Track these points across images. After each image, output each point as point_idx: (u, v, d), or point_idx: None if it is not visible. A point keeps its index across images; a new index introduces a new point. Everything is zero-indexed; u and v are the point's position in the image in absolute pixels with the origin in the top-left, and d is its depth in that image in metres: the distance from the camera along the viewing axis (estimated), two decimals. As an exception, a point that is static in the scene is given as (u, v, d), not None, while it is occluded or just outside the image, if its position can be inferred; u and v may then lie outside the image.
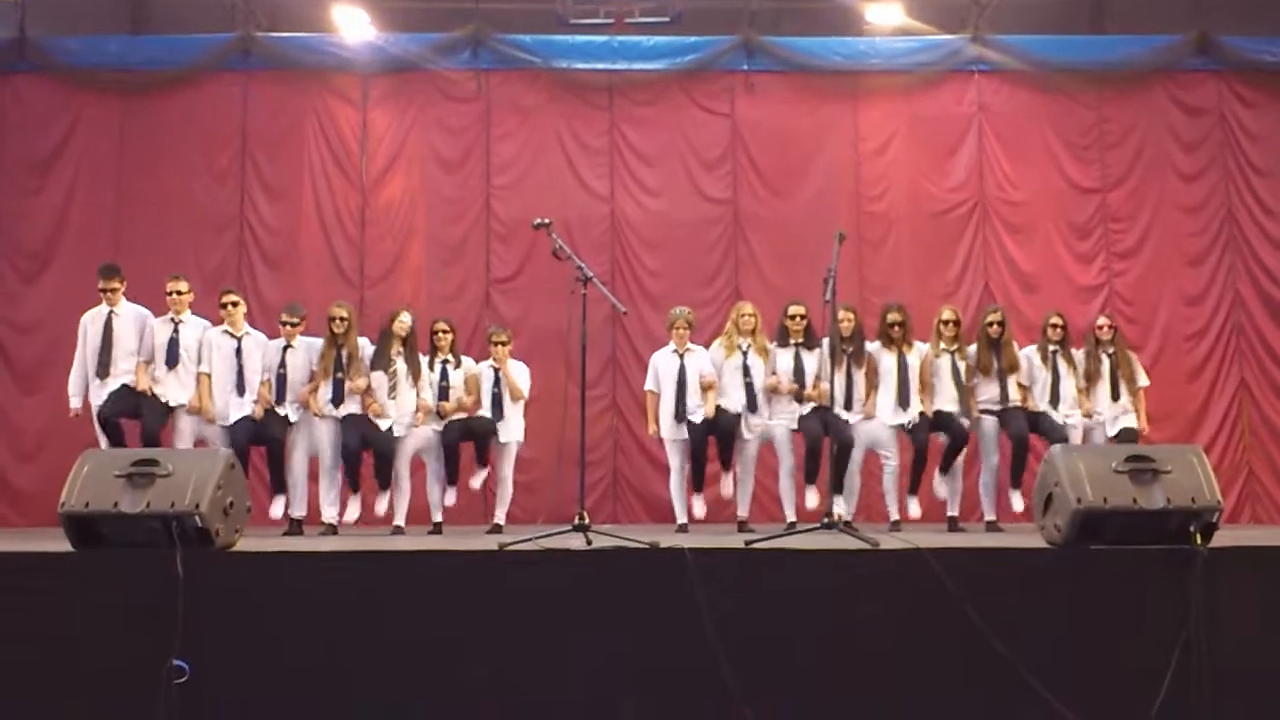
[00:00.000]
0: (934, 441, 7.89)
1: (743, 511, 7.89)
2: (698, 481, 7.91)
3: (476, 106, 10.36)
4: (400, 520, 7.77)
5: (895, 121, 10.43)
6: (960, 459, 7.85)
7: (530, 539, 4.92)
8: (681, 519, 7.86)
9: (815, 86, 10.40)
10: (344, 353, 7.70)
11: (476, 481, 8.12)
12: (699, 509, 7.92)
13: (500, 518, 8.04)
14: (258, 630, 4.43)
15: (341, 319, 7.74)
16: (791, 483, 7.82)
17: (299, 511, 7.68)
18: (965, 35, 10.34)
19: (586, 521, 5.26)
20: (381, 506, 7.78)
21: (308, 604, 4.48)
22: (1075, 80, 10.36)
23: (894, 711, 4.41)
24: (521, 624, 4.46)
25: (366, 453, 7.74)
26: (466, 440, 7.97)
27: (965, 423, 7.77)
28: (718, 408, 7.71)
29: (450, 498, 7.99)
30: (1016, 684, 4.30)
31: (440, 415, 7.86)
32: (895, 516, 7.85)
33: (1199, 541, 4.50)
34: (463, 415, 7.89)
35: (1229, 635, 4.37)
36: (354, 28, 10.13)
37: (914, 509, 7.91)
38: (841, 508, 7.50)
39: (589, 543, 4.99)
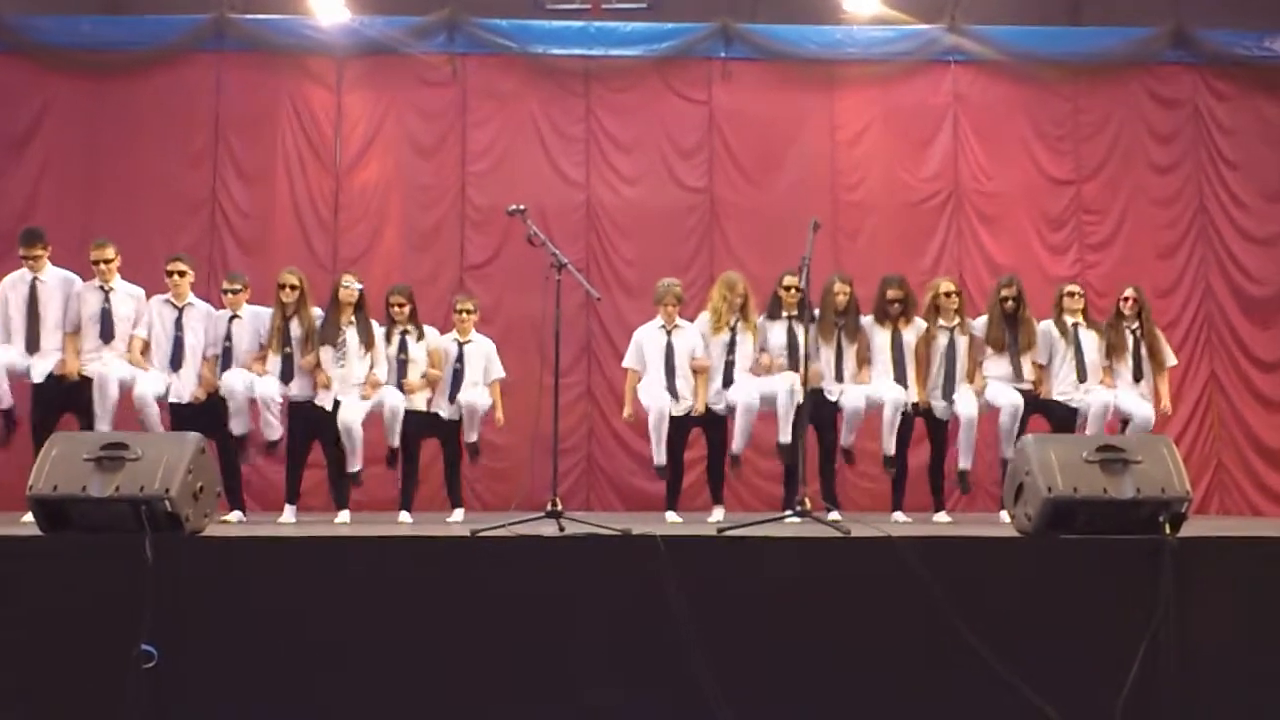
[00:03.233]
0: (916, 426, 7.54)
1: (736, 446, 7.36)
2: (672, 498, 7.42)
3: (452, 91, 10.31)
4: (356, 466, 7.13)
5: (872, 111, 10.44)
6: (972, 436, 7.35)
7: (502, 525, 4.91)
8: (660, 460, 7.24)
9: (792, 75, 10.39)
10: (294, 325, 7.15)
11: (453, 519, 7.40)
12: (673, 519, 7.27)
13: (472, 437, 7.50)
14: (227, 616, 4.40)
15: (292, 287, 7.17)
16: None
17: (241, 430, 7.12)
18: (942, 25, 10.35)
19: (559, 508, 5.26)
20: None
21: (277, 589, 4.47)
22: (1051, 71, 10.39)
23: (866, 698, 4.43)
24: (491, 609, 4.46)
25: (313, 443, 7.28)
26: (431, 437, 7.57)
27: (957, 402, 7.32)
28: (709, 410, 7.34)
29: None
30: (986, 671, 4.32)
31: (404, 392, 7.27)
32: (890, 451, 7.29)
33: (1168, 531, 4.53)
34: (428, 394, 7.44)
35: (1197, 624, 4.41)
36: (329, 10, 10.05)
37: (899, 517, 7.35)
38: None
39: (561, 529, 4.99)
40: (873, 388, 7.35)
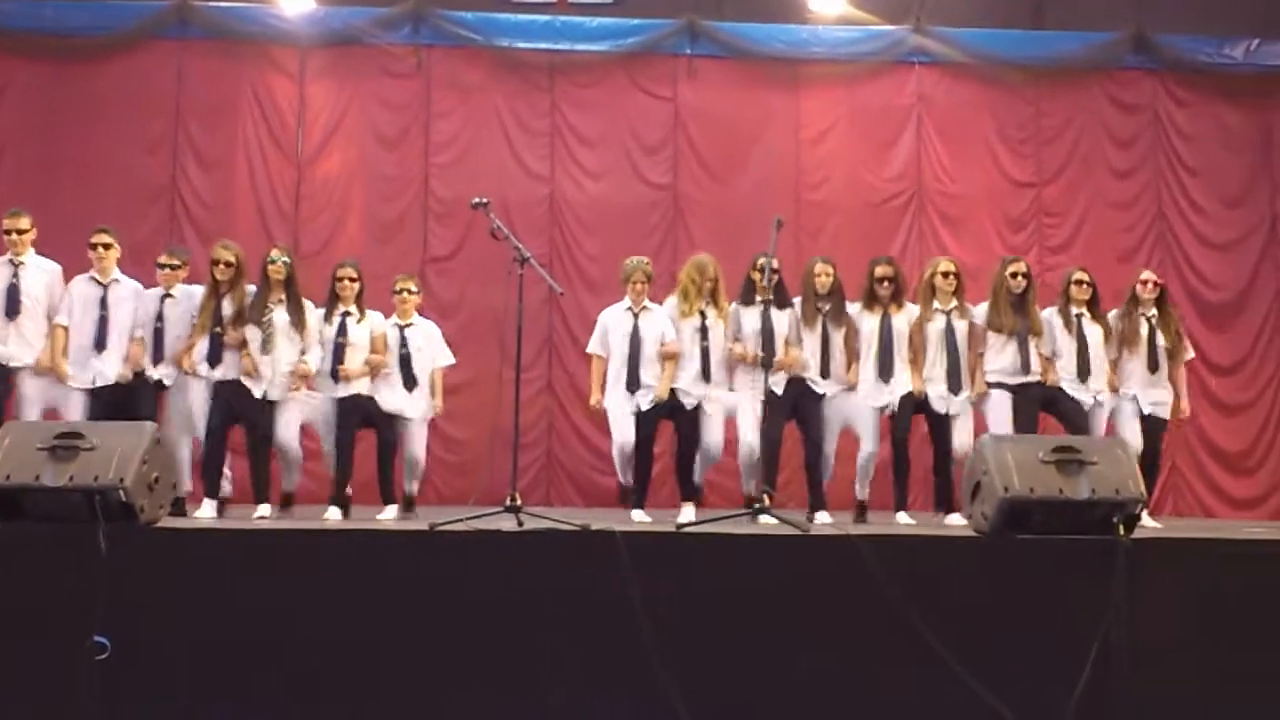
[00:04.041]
0: (917, 428, 7.01)
1: (624, 479, 6.98)
2: (639, 495, 6.78)
3: (416, 83, 10.26)
4: (291, 486, 6.91)
5: (836, 110, 10.46)
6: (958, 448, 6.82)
7: (461, 519, 4.90)
8: (625, 480, 6.90)
9: (757, 73, 10.40)
10: (227, 304, 6.54)
11: (384, 516, 6.74)
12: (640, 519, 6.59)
13: (413, 490, 7.11)
14: (181, 608, 4.37)
15: (227, 264, 6.57)
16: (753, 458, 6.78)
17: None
18: (907, 26, 10.39)
19: (519, 503, 5.25)
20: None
21: (233, 582, 4.43)
22: (1014, 74, 10.45)
23: (823, 695, 4.44)
24: (450, 604, 4.44)
25: (235, 429, 6.66)
26: (367, 428, 6.88)
27: (957, 401, 6.80)
28: (674, 394, 6.70)
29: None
30: (942, 670, 4.35)
31: (339, 380, 6.70)
32: (862, 497, 6.94)
33: (1122, 532, 4.58)
34: (366, 380, 6.78)
35: (1149, 624, 4.46)
36: (293, -1, 9.99)
37: (904, 519, 6.78)
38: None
39: (520, 524, 4.98)
40: (851, 407, 6.92)
